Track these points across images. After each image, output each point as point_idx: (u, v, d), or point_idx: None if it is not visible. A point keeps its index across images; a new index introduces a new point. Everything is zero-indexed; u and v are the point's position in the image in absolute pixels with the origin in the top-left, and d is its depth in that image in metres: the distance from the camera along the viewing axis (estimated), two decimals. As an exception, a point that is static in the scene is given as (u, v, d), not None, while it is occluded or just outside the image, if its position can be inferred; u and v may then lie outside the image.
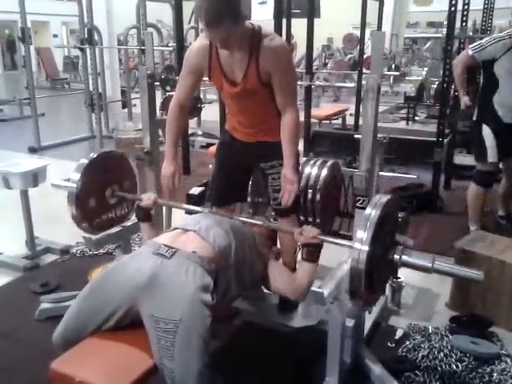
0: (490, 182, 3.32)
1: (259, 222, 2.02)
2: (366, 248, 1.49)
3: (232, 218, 1.96)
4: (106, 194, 2.25)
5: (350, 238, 2.01)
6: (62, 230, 3.45)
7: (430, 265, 1.62)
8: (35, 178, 3.01)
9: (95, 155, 2.23)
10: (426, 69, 8.74)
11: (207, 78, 2.02)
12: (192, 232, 1.73)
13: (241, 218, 1.98)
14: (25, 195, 3.08)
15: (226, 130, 2.23)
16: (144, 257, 1.62)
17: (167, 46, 7.49)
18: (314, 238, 1.73)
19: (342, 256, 1.86)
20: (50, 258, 3.15)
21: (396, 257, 1.66)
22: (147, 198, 2.10)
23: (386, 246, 1.64)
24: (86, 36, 6.58)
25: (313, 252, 1.77)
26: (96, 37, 6.85)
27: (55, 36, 17.76)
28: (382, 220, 1.54)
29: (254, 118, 2.04)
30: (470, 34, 6.15)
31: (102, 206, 2.24)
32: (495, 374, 2.05)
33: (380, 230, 1.53)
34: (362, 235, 1.51)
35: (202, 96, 7.16)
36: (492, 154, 3.17)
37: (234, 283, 1.74)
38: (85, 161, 2.19)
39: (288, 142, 1.93)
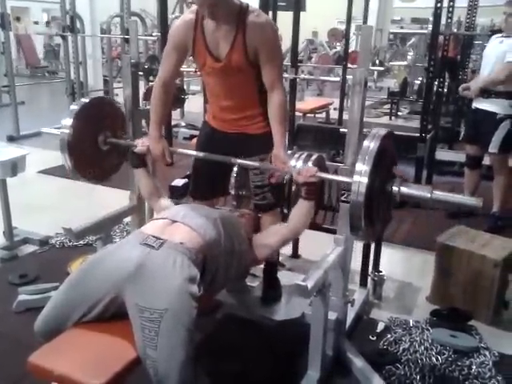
0: (472, 164, 3.67)
1: (256, 164, 1.99)
2: (365, 180, 1.53)
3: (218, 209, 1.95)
4: (98, 140, 2.22)
5: (333, 232, 2.02)
6: (41, 220, 3.41)
7: (429, 195, 1.65)
8: (14, 167, 2.94)
9: (87, 100, 2.22)
10: (410, 55, 8.81)
11: (191, 57, 1.99)
12: (180, 223, 1.71)
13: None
14: (3, 185, 3.01)
15: (205, 122, 2.19)
16: (131, 246, 1.60)
17: (151, 35, 7.39)
18: (312, 176, 1.79)
19: (327, 249, 1.86)
20: (28, 248, 3.09)
21: (395, 189, 1.68)
22: (141, 144, 2.06)
23: (384, 178, 1.67)
24: (68, 23, 6.45)
25: (311, 190, 1.84)
26: (78, 25, 6.72)
27: (36, 23, 17.40)
28: (381, 152, 1.56)
29: (236, 100, 1.99)
30: (455, 30, 6.20)
31: (95, 154, 2.22)
32: (474, 367, 2.08)
33: (378, 162, 1.55)
34: (362, 167, 1.54)
35: (185, 87, 7.09)
36: None
37: (221, 274, 1.73)
38: (76, 106, 2.16)
39: (278, 121, 1.91)
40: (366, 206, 1.54)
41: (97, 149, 2.24)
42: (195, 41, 1.89)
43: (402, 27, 13.96)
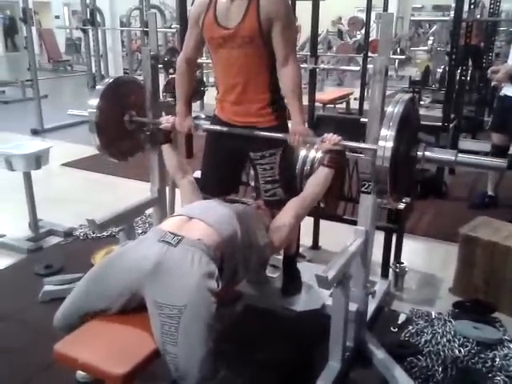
0: (497, 153, 3.47)
1: (279, 135, 1.94)
2: (390, 145, 1.55)
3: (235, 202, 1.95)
4: (124, 119, 2.31)
5: (354, 223, 2.00)
6: (65, 212, 3.47)
7: (454, 158, 1.66)
8: (38, 160, 3.00)
9: (111, 80, 2.29)
10: (431, 39, 8.68)
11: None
12: (197, 219, 1.71)
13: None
14: (28, 177, 3.07)
15: (214, 116, 2.15)
16: (149, 243, 1.61)
17: (170, 27, 7.41)
18: (336, 144, 1.83)
19: (347, 241, 1.85)
20: (53, 240, 3.15)
21: (419, 153, 1.70)
22: (166, 121, 2.14)
23: (409, 143, 1.68)
24: (89, 17, 6.51)
25: (334, 158, 1.89)
26: (98, 18, 6.78)
27: (57, 17, 17.61)
28: (405, 117, 1.58)
29: (246, 77, 1.93)
30: (478, 16, 6.06)
31: (121, 133, 2.31)
32: (498, 359, 2.05)
33: (402, 126, 1.57)
34: (386, 132, 1.57)
35: (204, 79, 7.10)
36: None
37: (241, 269, 1.73)
38: (101, 86, 2.23)
39: (293, 95, 1.88)
40: (391, 171, 1.56)
41: (123, 127, 2.32)
42: (205, 15, 1.91)
43: (415, 15, 13.70)
